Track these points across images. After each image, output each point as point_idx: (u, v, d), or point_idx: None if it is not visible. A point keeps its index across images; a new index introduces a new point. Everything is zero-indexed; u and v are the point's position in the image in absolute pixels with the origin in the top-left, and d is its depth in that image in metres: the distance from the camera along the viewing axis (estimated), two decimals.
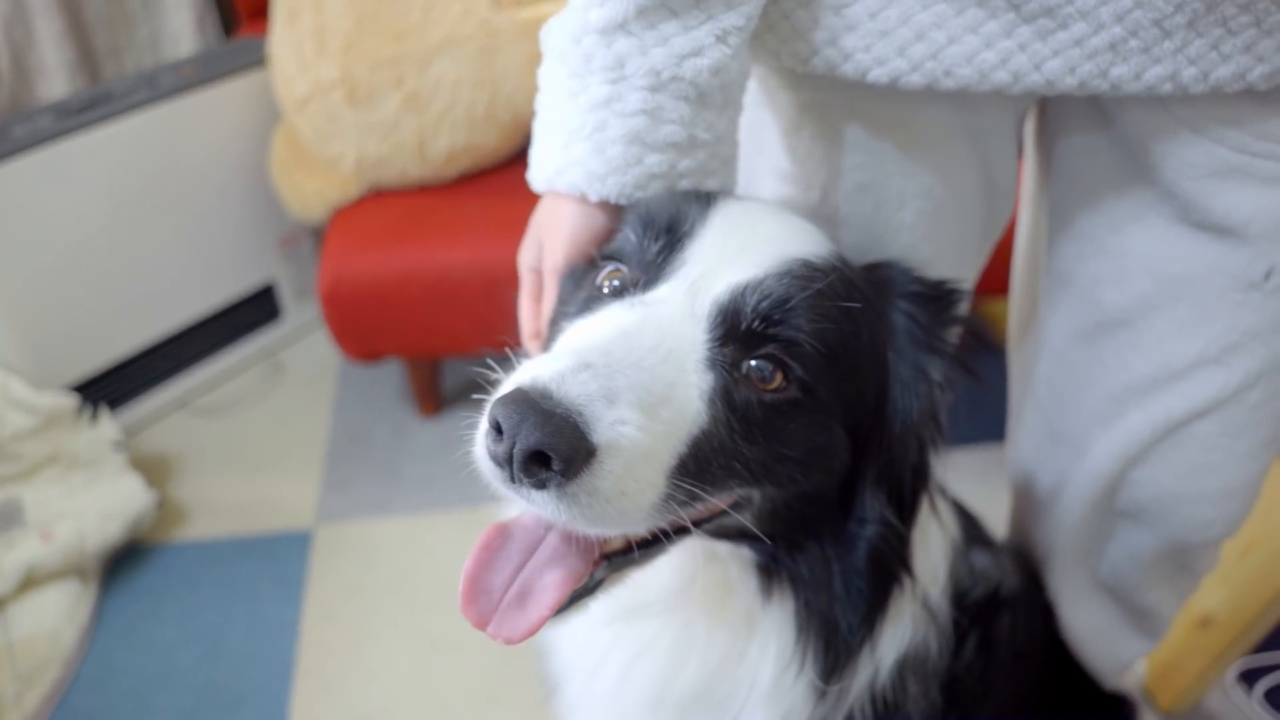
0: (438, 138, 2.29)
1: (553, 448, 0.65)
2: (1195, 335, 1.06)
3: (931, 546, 1.00)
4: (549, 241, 0.95)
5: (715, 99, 0.90)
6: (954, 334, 0.91)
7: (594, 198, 0.92)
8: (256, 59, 2.46)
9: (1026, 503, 1.38)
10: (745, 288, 0.80)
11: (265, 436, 2.57)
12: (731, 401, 0.77)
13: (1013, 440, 1.38)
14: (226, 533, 2.29)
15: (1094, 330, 1.14)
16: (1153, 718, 1.92)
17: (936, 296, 0.91)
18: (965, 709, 1.08)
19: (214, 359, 2.69)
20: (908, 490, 0.89)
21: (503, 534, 0.79)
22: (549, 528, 0.79)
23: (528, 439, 0.64)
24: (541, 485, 0.67)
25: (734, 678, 0.93)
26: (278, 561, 2.21)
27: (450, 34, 2.19)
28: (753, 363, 0.79)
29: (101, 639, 2.05)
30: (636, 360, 0.73)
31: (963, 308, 0.92)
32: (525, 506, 0.72)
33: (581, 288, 0.91)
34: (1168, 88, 0.87)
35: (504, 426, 0.66)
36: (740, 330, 0.79)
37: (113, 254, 2.37)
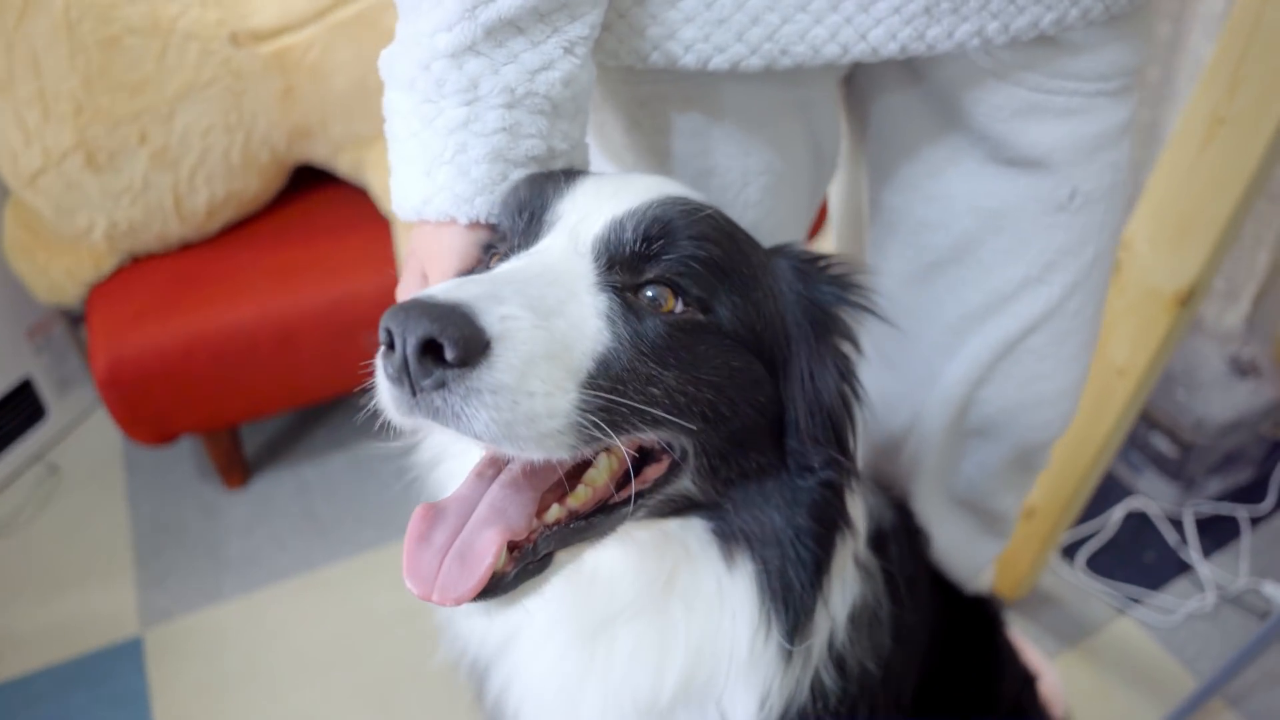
0: (195, 192, 2.14)
1: (442, 332, 0.64)
2: (1018, 260, 1.16)
3: (856, 497, 1.04)
4: (434, 265, 0.93)
5: (568, 108, 0.91)
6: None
7: (464, 220, 0.90)
8: None
9: (882, 442, 1.47)
10: (623, 217, 0.82)
11: (59, 547, 2.32)
12: (634, 324, 0.78)
13: None
14: (43, 663, 2.05)
15: (926, 271, 1.23)
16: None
17: (818, 257, 0.94)
18: (904, 646, 1.13)
19: None
20: (844, 426, 0.91)
21: (436, 507, 0.79)
22: (483, 493, 0.79)
23: (417, 329, 0.64)
24: (442, 384, 0.66)
25: (716, 655, 0.93)
26: (111, 680, 2.00)
27: (191, 80, 2.04)
28: (649, 292, 0.80)
29: None
30: (522, 279, 0.74)
31: (842, 268, 0.96)
32: (436, 431, 0.71)
33: None
34: (975, 42, 0.96)
35: (394, 332, 0.65)
36: (625, 254, 0.80)
37: None
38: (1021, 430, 1.32)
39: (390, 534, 2.28)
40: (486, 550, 0.74)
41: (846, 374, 0.93)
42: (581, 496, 0.81)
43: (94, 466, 2.52)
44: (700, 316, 0.82)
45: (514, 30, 0.84)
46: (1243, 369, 2.33)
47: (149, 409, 2.10)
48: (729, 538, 0.91)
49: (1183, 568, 2.22)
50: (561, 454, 0.73)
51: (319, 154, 2.31)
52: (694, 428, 0.81)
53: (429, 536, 0.77)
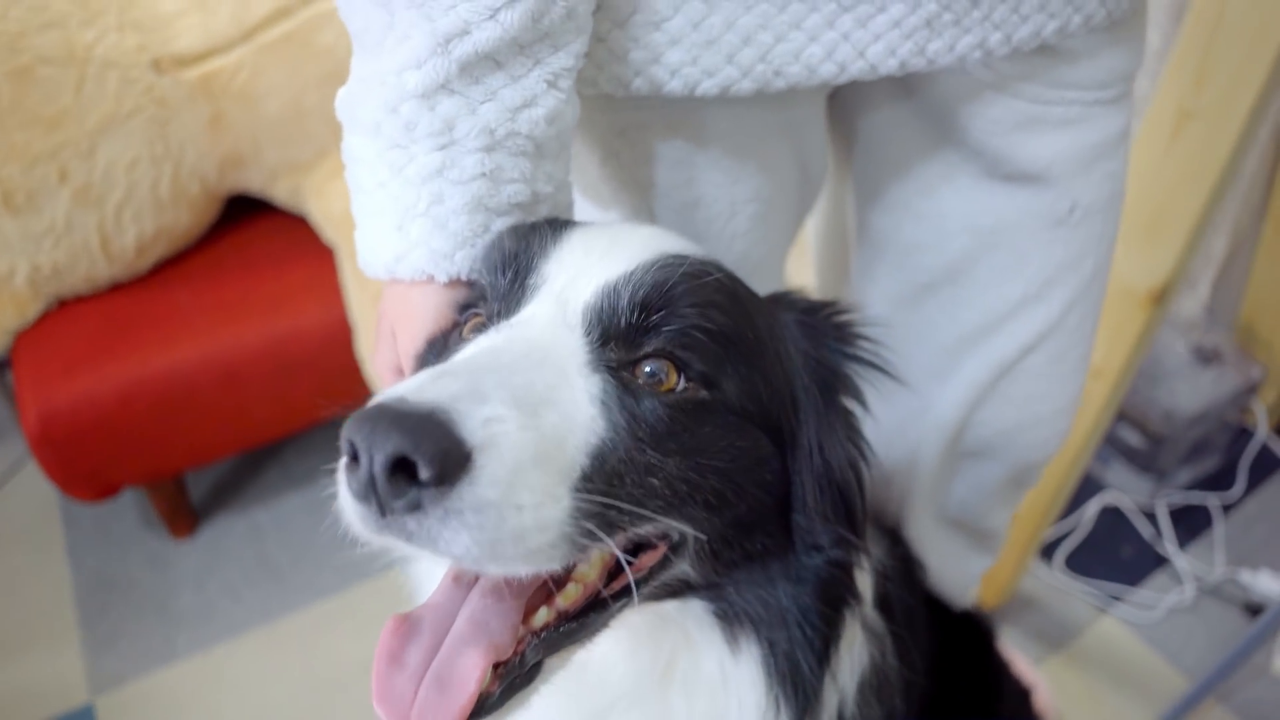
0: (123, 230, 2.02)
1: (415, 447, 0.55)
2: (1016, 278, 1.11)
3: (863, 563, 0.98)
4: (404, 328, 0.84)
5: (552, 148, 0.83)
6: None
7: (443, 278, 0.82)
8: None
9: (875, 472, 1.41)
10: (616, 283, 0.74)
11: None
12: (630, 407, 0.70)
13: None
14: None
15: (917, 293, 1.17)
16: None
17: (823, 307, 0.88)
18: (907, 696, 1.08)
19: None
20: (854, 500, 0.85)
21: (409, 620, 0.70)
22: (461, 602, 0.70)
23: (385, 445, 0.55)
24: (416, 507, 0.57)
25: None
26: None
27: (112, 111, 1.91)
28: (647, 368, 0.73)
29: None
30: (506, 365, 0.66)
31: (847, 318, 0.89)
32: (409, 553, 0.62)
33: (447, 349, 0.81)
34: (977, 55, 0.90)
35: (358, 444, 0.56)
36: (620, 326, 0.73)
37: None
38: (1018, 451, 1.27)
39: (352, 577, 2.17)
40: (469, 675, 0.66)
41: (854, 436, 0.87)
42: (571, 595, 0.73)
43: (29, 523, 2.38)
44: (704, 394, 0.74)
45: (492, 65, 0.75)
46: (1206, 357, 2.32)
47: (87, 464, 1.98)
48: (731, 620, 0.84)
49: (1160, 561, 2.21)
50: (552, 567, 0.64)
51: (253, 183, 2.19)
52: (698, 522, 0.74)
53: (402, 656, 0.68)
